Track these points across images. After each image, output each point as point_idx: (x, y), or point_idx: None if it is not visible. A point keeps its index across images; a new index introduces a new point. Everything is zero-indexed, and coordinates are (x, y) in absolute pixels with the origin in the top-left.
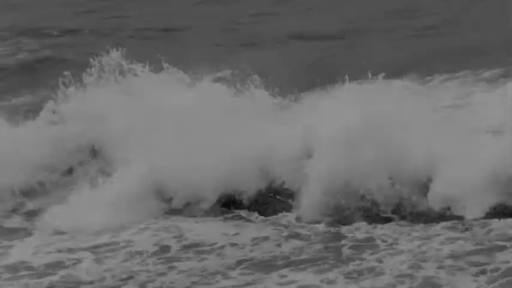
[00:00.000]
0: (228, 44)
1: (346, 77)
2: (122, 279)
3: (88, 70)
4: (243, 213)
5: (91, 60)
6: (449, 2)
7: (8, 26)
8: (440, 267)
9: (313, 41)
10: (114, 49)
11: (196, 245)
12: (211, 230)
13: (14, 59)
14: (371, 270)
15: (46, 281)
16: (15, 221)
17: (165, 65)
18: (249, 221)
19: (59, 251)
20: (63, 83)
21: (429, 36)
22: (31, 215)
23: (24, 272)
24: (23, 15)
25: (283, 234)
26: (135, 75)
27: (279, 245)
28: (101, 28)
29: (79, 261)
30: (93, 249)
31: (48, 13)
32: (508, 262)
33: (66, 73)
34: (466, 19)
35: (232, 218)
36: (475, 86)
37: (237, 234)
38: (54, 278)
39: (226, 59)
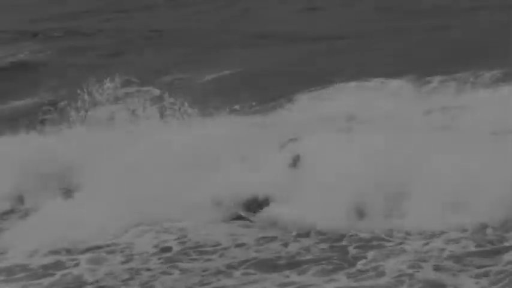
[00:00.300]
0: (226, 44)
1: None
2: (123, 280)
3: (76, 103)
4: (243, 213)
5: (79, 91)
6: (451, 3)
7: (9, 26)
8: (443, 267)
9: (313, 41)
10: (108, 79)
11: (200, 246)
12: (214, 231)
13: (15, 61)
14: (374, 269)
15: (45, 281)
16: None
17: (166, 97)
18: (251, 221)
19: (58, 252)
20: (42, 122)
21: (430, 38)
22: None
23: (23, 274)
24: (24, 16)
25: (286, 235)
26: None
27: (283, 245)
28: (103, 29)
29: (79, 262)
30: (94, 250)
31: (49, 14)
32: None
33: (47, 107)
34: (467, 20)
35: (236, 218)
36: (475, 87)
37: (241, 235)
38: (54, 279)
39: (224, 60)
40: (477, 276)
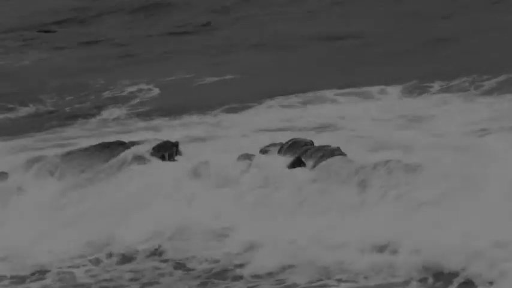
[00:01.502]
0: (230, 46)
1: None
2: (128, 280)
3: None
4: None
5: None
6: (456, 11)
7: (13, 31)
8: None
9: (314, 43)
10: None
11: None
12: None
13: (20, 65)
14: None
15: (44, 282)
16: None
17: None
18: None
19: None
20: None
21: (433, 43)
22: None
23: (21, 274)
24: (29, 19)
25: None
26: None
27: None
28: (109, 32)
29: (77, 263)
30: (93, 251)
31: (51, 17)
32: None
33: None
34: (472, 28)
35: None
36: (473, 95)
37: None
38: (51, 281)
39: (228, 63)
40: None
